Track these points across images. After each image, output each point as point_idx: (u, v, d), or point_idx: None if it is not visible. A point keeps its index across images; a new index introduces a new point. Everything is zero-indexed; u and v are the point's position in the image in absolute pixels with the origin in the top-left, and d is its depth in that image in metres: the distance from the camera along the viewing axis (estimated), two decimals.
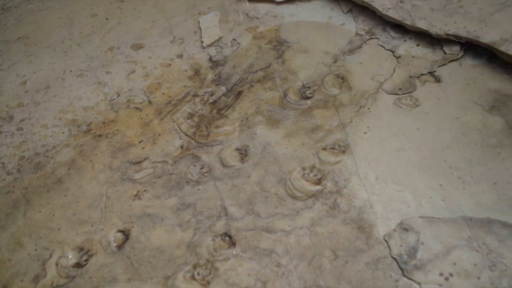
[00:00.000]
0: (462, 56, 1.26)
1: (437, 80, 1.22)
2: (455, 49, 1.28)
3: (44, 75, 1.47)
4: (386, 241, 0.94)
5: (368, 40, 1.37)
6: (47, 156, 1.23)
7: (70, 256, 1.03)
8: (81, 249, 1.03)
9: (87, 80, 1.43)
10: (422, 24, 1.30)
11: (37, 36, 1.62)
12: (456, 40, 1.27)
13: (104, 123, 1.29)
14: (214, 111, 1.26)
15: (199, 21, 1.56)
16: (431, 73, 1.24)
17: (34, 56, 1.54)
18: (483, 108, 1.13)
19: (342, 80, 1.28)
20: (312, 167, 1.09)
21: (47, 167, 1.21)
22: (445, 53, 1.28)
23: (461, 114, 1.13)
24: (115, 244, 1.03)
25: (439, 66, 1.25)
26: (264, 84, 1.32)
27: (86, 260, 1.01)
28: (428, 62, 1.27)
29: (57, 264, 1.02)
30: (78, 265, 1.01)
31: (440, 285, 0.88)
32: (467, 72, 1.22)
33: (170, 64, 1.44)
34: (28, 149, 1.26)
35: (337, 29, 1.43)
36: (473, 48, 1.27)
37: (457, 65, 1.25)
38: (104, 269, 1.00)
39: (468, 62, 1.25)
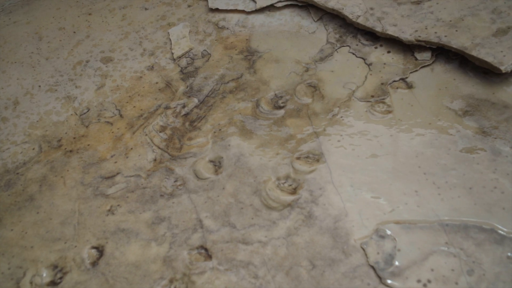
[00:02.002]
0: (433, 62, 1.28)
1: (409, 86, 1.23)
2: (426, 55, 1.29)
3: (12, 90, 1.45)
4: (363, 249, 0.94)
5: (339, 48, 1.38)
6: (17, 173, 1.22)
7: (44, 275, 1.01)
8: (55, 267, 1.02)
9: (57, 94, 1.41)
10: (392, 31, 1.31)
11: (4, 52, 1.61)
12: (427, 45, 1.28)
13: (74, 138, 1.28)
14: (187, 123, 1.25)
15: (168, 33, 1.56)
16: (403, 79, 1.25)
17: (2, 72, 1.53)
18: (456, 113, 1.14)
19: (314, 88, 1.28)
20: (287, 177, 1.09)
21: (18, 184, 1.19)
22: (416, 59, 1.29)
23: (434, 120, 1.14)
24: (89, 261, 1.02)
25: (411, 72, 1.26)
26: (236, 95, 1.32)
27: (61, 278, 1.00)
28: (399, 69, 1.28)
29: (31, 283, 1.01)
30: (53, 283, 1.00)
31: None
32: (439, 78, 1.24)
33: (140, 77, 1.44)
34: None
35: (308, 37, 1.44)
36: (444, 53, 1.28)
37: (429, 71, 1.26)
38: (79, 286, 0.99)
39: (440, 67, 1.26)
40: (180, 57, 1.48)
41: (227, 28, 1.53)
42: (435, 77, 1.24)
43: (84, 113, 1.34)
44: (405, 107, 1.18)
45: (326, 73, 1.32)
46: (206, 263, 0.98)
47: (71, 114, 1.35)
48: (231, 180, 1.10)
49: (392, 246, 0.94)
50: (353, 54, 1.35)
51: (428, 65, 1.27)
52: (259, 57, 1.42)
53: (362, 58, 1.33)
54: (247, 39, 1.48)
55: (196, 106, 1.31)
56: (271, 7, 1.54)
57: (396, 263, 0.91)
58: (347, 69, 1.32)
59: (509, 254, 0.90)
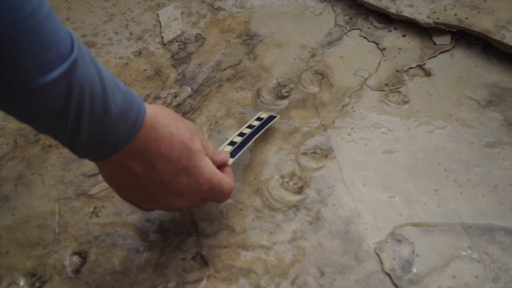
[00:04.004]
0: (453, 47, 1.28)
1: (427, 73, 1.23)
2: (446, 39, 1.29)
3: None
4: (377, 254, 0.94)
5: (349, 31, 1.39)
6: None
7: (21, 283, 1.01)
8: (33, 275, 1.02)
9: None
10: (408, 12, 1.31)
11: None
12: (447, 29, 1.28)
13: None
14: (179, 115, 1.25)
15: (158, 14, 1.56)
16: (420, 66, 1.26)
17: None
18: (479, 103, 1.14)
19: (322, 76, 1.29)
20: (292, 175, 1.09)
21: None
22: (434, 43, 1.29)
23: (455, 111, 1.14)
24: (71, 268, 1.02)
25: (428, 59, 1.27)
26: (234, 83, 1.32)
27: (40, 287, 1.00)
28: (416, 54, 1.28)
29: None
30: None
31: None
32: (460, 64, 1.24)
33: (127, 64, 1.43)
34: None
35: (314, 19, 1.43)
36: (465, 37, 1.28)
37: (449, 57, 1.26)
38: None
39: (461, 53, 1.26)
40: (171, 42, 1.47)
41: (224, 9, 1.53)
42: (456, 64, 1.24)
43: None
44: (423, 96, 1.18)
45: (334, 59, 1.32)
46: (201, 270, 0.98)
47: None
48: None
49: (409, 251, 0.93)
50: (365, 38, 1.35)
51: (447, 51, 1.28)
52: (259, 42, 1.42)
53: (375, 43, 1.33)
54: (246, 22, 1.48)
55: (189, 96, 1.31)
56: None
57: (415, 270, 0.91)
58: (358, 54, 1.32)
59: None
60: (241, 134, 1.11)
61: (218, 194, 0.92)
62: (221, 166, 1.00)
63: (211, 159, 0.94)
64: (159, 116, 0.83)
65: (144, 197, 0.87)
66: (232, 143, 1.07)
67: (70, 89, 0.67)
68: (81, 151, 0.76)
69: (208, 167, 0.89)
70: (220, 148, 1.04)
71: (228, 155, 1.03)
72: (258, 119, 1.17)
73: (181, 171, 0.85)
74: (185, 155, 0.85)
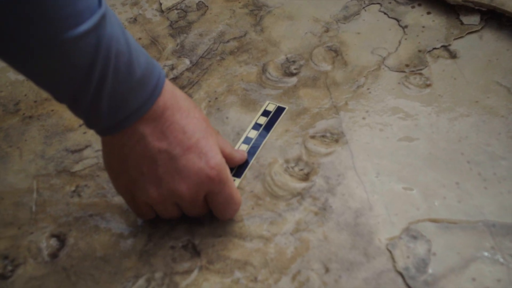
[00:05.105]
0: (483, 28, 1.26)
1: (453, 55, 1.22)
2: (475, 18, 1.28)
3: None
4: (390, 251, 0.92)
5: (368, 5, 1.37)
6: None
7: None
8: (5, 257, 1.00)
9: None
10: None
11: None
12: (476, 7, 1.27)
13: (36, 102, 1.26)
14: None
15: None
16: (445, 47, 1.24)
17: None
18: (508, 90, 1.13)
19: (336, 53, 1.27)
20: (298, 160, 1.07)
21: None
22: (462, 23, 1.28)
23: (481, 97, 1.12)
24: (47, 252, 1.00)
25: (455, 39, 1.25)
26: (238, 57, 1.30)
27: (11, 271, 0.98)
28: (441, 34, 1.27)
29: None
30: (2, 277, 0.97)
31: None
32: (489, 47, 1.22)
33: None
34: None
35: None
36: (496, 17, 1.27)
37: (477, 38, 1.25)
38: (34, 282, 0.96)
39: (491, 34, 1.25)
40: (170, 9, 1.46)
41: None
42: (484, 46, 1.23)
43: None
44: (447, 80, 1.17)
45: (350, 35, 1.31)
46: (192, 261, 0.96)
47: None
48: None
49: (426, 249, 0.92)
50: (385, 13, 1.34)
51: (476, 31, 1.26)
52: (268, 13, 1.40)
53: (396, 19, 1.32)
54: None
55: (187, 69, 1.29)
56: None
57: (430, 270, 0.89)
58: (376, 31, 1.31)
59: None
60: (247, 140, 1.11)
61: (225, 193, 0.91)
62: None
63: (229, 156, 0.98)
64: (177, 90, 0.86)
65: (146, 177, 0.86)
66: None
67: (98, 45, 0.68)
68: (96, 119, 0.78)
69: (221, 155, 0.90)
70: None
71: (245, 155, 1.06)
72: (265, 113, 1.16)
73: (192, 147, 0.85)
74: (200, 131, 0.86)
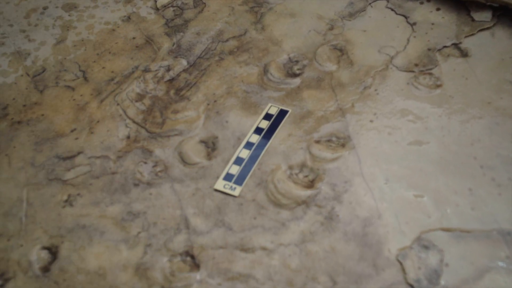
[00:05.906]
0: (495, 24, 1.27)
1: (464, 54, 1.22)
2: (486, 15, 1.28)
3: None
4: (400, 262, 0.92)
5: (374, 1, 1.38)
6: None
7: None
8: None
9: (3, 49, 1.40)
10: None
11: None
12: (488, 3, 1.27)
13: (25, 106, 1.26)
14: (172, 92, 1.24)
15: None
16: (455, 45, 1.24)
17: None
18: None
19: (341, 52, 1.27)
20: (302, 166, 1.08)
21: None
22: (473, 20, 1.28)
23: (494, 98, 1.13)
24: (38, 265, 1.00)
25: (465, 37, 1.26)
26: (238, 57, 1.31)
27: (1, 285, 0.98)
28: (451, 31, 1.27)
29: None
30: None
31: None
32: (502, 45, 1.23)
33: (113, 30, 1.43)
34: None
35: None
36: (508, 14, 1.27)
37: (489, 36, 1.25)
38: None
39: (503, 32, 1.25)
40: (165, 6, 1.47)
41: None
42: (497, 44, 1.23)
43: (39, 74, 1.33)
44: (458, 80, 1.17)
45: (356, 33, 1.31)
46: (192, 274, 0.96)
47: (21, 75, 1.33)
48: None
49: (438, 259, 0.92)
50: (392, 10, 1.34)
51: (488, 28, 1.27)
52: (269, 10, 1.41)
53: (404, 16, 1.32)
54: None
55: (184, 70, 1.30)
56: None
57: (443, 282, 0.89)
58: (383, 29, 1.31)
59: None
60: (248, 145, 1.10)
61: None
62: None
63: None
64: None
65: None
66: (238, 160, 1.07)
67: None
68: None
69: None
70: (226, 169, 1.05)
71: None
72: (267, 116, 1.16)
73: None
74: None
